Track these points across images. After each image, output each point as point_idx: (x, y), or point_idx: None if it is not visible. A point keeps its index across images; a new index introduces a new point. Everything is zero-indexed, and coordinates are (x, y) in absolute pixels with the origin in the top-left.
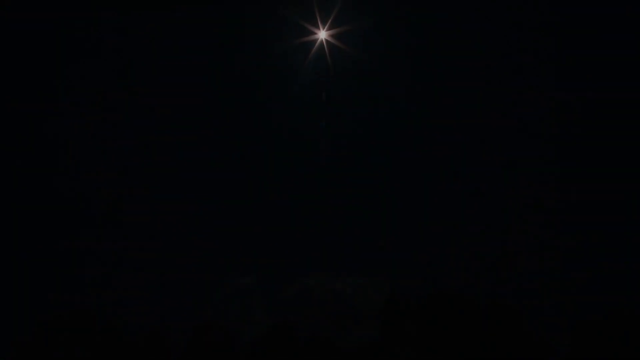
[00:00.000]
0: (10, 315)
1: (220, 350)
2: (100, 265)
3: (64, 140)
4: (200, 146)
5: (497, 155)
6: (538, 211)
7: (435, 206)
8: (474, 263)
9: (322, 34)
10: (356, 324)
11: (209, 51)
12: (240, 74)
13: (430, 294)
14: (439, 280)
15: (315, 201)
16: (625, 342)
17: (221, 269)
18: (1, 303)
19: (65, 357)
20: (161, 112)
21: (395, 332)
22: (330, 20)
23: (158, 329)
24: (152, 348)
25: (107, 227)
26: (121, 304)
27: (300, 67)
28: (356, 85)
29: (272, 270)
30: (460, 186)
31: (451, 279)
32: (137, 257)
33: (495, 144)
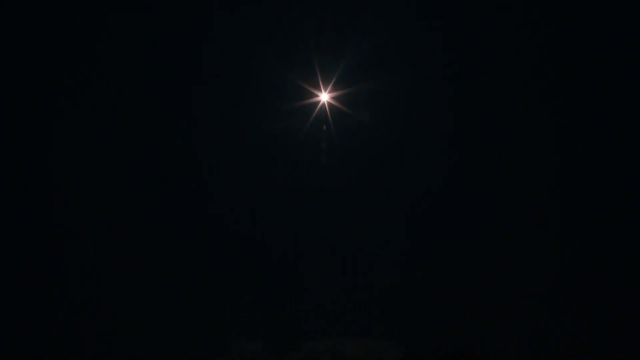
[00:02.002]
0: None
1: None
2: (97, 327)
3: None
4: (204, 207)
5: (509, 214)
6: (554, 270)
7: (445, 266)
8: (488, 322)
9: (324, 97)
10: None
11: (220, 110)
12: (246, 132)
13: (444, 356)
14: (453, 341)
15: (322, 263)
16: None
17: (226, 333)
18: None
19: None
20: (161, 173)
21: None
22: (331, 84)
23: None
24: None
25: (106, 284)
26: None
27: (303, 127)
28: (356, 145)
29: (279, 334)
30: (470, 244)
31: (465, 340)
32: (138, 322)
33: (505, 200)
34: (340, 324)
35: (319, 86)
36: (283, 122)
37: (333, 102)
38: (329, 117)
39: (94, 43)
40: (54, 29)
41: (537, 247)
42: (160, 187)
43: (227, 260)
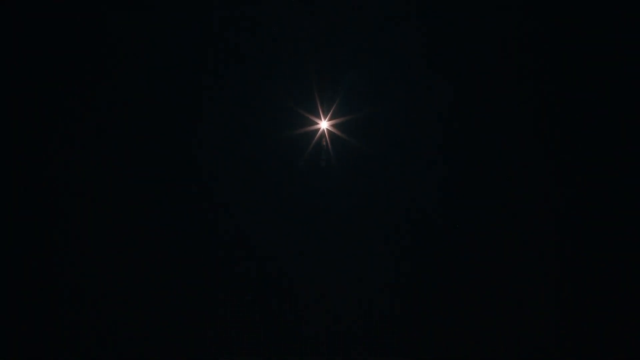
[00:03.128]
0: None
1: None
2: (97, 327)
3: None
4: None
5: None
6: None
7: (445, 266)
8: (489, 323)
9: (324, 124)
10: None
11: (222, 137)
12: (247, 158)
13: None
14: (455, 344)
15: (324, 283)
16: None
17: (225, 334)
18: None
19: None
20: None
21: None
22: (330, 112)
23: None
24: None
25: (105, 284)
26: None
27: (303, 153)
28: (354, 170)
29: (279, 358)
30: (470, 244)
31: (467, 343)
32: (138, 322)
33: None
34: (340, 329)
35: (319, 115)
36: (285, 147)
37: (332, 129)
38: (328, 143)
39: (93, 43)
40: (53, 29)
41: (537, 247)
42: (161, 187)
43: (227, 261)
